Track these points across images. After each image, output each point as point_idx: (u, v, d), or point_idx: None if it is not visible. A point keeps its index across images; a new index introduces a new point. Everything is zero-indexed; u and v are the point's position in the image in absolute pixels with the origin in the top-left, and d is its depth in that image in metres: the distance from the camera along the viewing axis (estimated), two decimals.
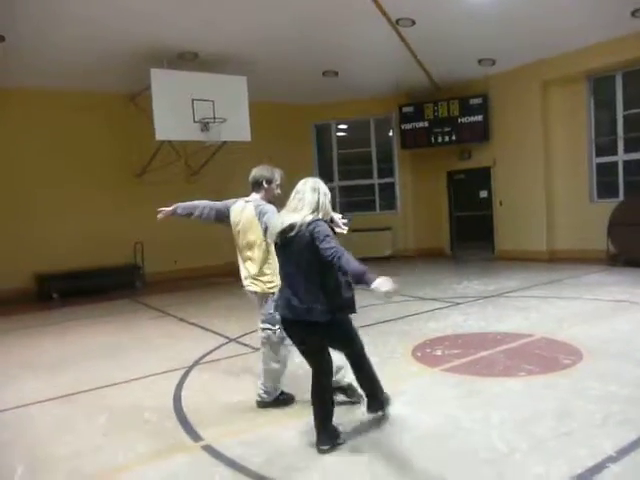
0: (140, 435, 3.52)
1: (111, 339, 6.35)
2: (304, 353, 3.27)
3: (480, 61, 10.55)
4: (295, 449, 3.18)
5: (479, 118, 11.14)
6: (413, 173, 12.62)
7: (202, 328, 6.59)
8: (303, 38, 9.24)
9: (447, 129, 11.41)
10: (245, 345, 5.62)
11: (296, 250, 3.07)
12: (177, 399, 4.12)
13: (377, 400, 3.48)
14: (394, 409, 3.62)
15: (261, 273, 3.76)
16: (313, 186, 3.18)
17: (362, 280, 2.84)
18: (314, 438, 3.18)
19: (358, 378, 3.49)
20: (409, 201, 12.72)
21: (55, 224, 10.08)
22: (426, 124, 11.62)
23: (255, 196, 3.82)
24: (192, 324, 6.86)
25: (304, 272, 3.07)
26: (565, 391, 3.80)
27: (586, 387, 3.82)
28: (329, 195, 3.23)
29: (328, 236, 2.96)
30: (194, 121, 9.24)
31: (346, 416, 3.54)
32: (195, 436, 3.45)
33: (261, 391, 3.83)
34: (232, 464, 3.04)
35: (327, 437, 3.14)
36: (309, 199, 3.12)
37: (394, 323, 6.20)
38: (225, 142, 10.09)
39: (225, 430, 3.52)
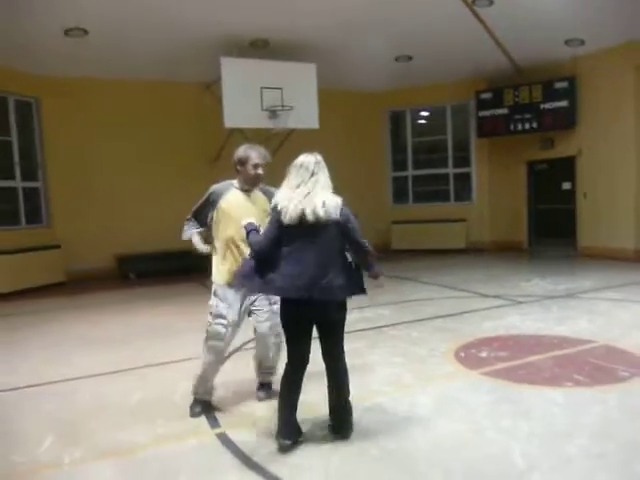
0: (164, 417, 3.61)
1: (169, 320, 6.61)
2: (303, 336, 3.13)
3: (567, 42, 9.77)
4: (304, 445, 3.11)
5: (564, 103, 10.35)
6: (491, 163, 12.01)
7: None
8: (375, 22, 9.01)
9: (528, 116, 10.71)
10: None
11: (322, 232, 2.98)
12: None
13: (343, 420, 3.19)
14: (416, 411, 3.46)
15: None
16: (322, 164, 3.11)
17: (371, 265, 3.17)
18: (326, 434, 3.13)
19: (329, 386, 3.23)
20: (486, 192, 12.14)
21: (134, 209, 10.61)
22: (505, 111, 10.99)
23: (231, 180, 3.65)
24: None
25: (327, 252, 3.02)
26: (612, 407, 3.44)
27: (638, 405, 3.45)
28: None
29: (355, 223, 3.10)
30: (262, 109, 9.34)
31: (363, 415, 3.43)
32: (214, 423, 3.50)
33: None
34: (238, 454, 3.04)
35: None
36: (323, 180, 3.08)
37: (447, 319, 5.95)
38: (293, 130, 10.14)
39: (244, 419, 3.53)
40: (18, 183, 9.54)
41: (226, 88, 9.07)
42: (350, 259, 3.11)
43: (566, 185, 10.93)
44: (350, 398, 3.22)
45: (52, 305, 8.03)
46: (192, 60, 9.83)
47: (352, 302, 6.45)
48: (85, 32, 8.43)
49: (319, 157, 3.14)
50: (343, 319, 3.20)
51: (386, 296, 7.30)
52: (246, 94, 9.18)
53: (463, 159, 12.35)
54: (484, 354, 4.64)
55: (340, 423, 3.18)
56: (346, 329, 4.96)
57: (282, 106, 9.40)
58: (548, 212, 11.46)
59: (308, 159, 3.10)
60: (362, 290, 3.13)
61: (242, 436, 3.26)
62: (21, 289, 8.85)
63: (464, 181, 12.39)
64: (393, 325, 5.78)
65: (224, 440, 3.23)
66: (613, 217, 9.87)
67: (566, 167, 10.74)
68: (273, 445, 3.09)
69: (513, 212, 11.86)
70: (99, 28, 8.35)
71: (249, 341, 5.34)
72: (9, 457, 3.14)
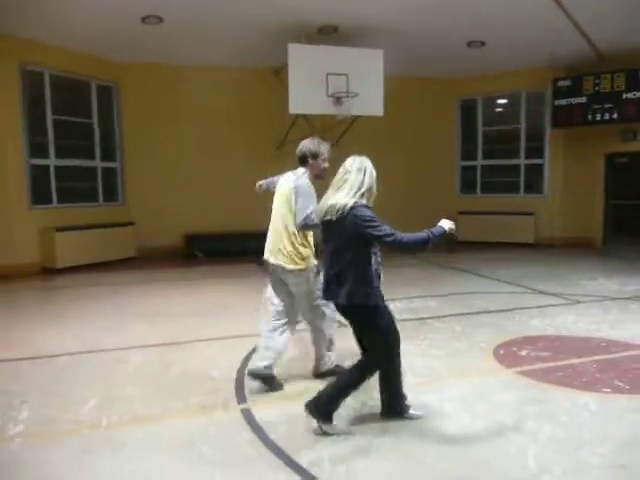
0: (198, 390, 3.83)
1: (226, 298, 6.91)
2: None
3: None
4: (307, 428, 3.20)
5: None
6: (566, 154, 11.41)
7: None
8: (445, 6, 8.76)
9: (608, 105, 10.06)
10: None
11: (336, 233, 3.07)
12: (246, 362, 4.37)
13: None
14: (439, 405, 3.47)
15: (296, 250, 3.73)
16: (360, 166, 3.13)
17: (434, 241, 3.03)
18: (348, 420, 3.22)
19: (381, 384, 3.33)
20: (558, 185, 11.57)
21: (203, 191, 11.03)
22: (583, 99, 10.37)
23: (301, 170, 3.80)
24: None
25: (342, 257, 3.06)
26: None
27: None
28: (375, 175, 3.15)
29: (372, 221, 2.97)
30: (327, 95, 9.39)
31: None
32: (242, 399, 3.67)
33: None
34: (258, 430, 3.19)
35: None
36: (353, 179, 3.09)
37: (495, 315, 5.81)
38: (358, 117, 10.13)
39: (272, 398, 3.68)
40: (98, 163, 10.19)
41: (292, 74, 9.17)
42: (374, 266, 3.07)
43: None
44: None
45: (122, 278, 8.57)
46: (262, 46, 10.02)
47: (400, 292, 6.52)
48: (160, 20, 8.81)
49: (361, 159, 3.18)
50: (367, 322, 3.15)
51: (438, 287, 7.27)
52: (312, 80, 9.25)
53: (536, 150, 11.80)
54: (524, 353, 4.52)
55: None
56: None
57: (347, 92, 9.40)
58: (627, 209, 10.78)
59: (348, 161, 3.19)
60: (364, 301, 3.04)
61: (266, 414, 3.41)
62: (97, 262, 9.50)
63: (536, 173, 11.87)
64: (438, 317, 5.73)
65: (247, 416, 3.39)
66: None
67: None
68: (292, 425, 3.20)
69: (587, 207, 11.24)
70: (173, 16, 8.68)
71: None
72: (57, 415, 3.46)
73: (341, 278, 3.05)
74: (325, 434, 3.08)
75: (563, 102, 10.68)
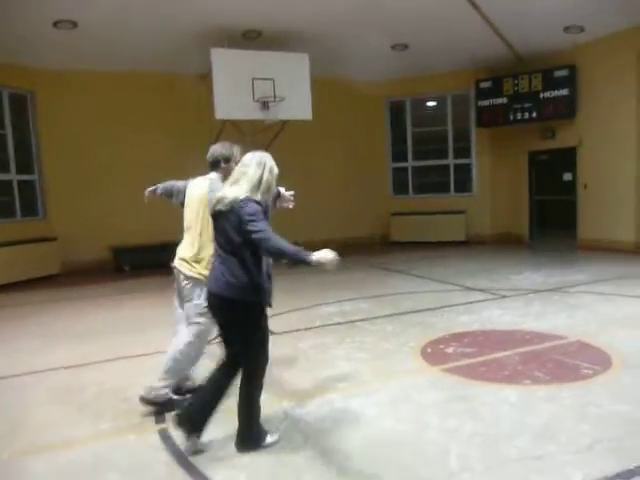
0: (113, 412, 3.60)
1: (151, 313, 6.63)
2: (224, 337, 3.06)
3: (566, 28, 9.50)
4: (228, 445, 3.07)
5: (564, 92, 10.09)
6: (492, 153, 11.80)
7: None
8: (367, 10, 8.84)
9: (528, 105, 10.47)
10: None
11: (225, 225, 2.90)
12: None
13: (248, 435, 3.00)
14: (362, 409, 3.41)
15: (196, 258, 3.59)
16: (259, 161, 2.95)
17: (299, 258, 2.68)
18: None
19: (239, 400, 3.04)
20: (486, 183, 11.93)
21: (130, 201, 10.59)
22: (505, 100, 10.75)
23: (214, 174, 3.65)
24: None
25: (230, 249, 2.90)
26: (564, 406, 3.34)
27: (591, 404, 3.34)
28: (275, 172, 3.00)
29: (254, 216, 2.77)
30: (254, 100, 9.27)
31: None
32: (161, 419, 3.47)
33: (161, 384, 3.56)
34: (174, 451, 3.01)
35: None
36: (251, 174, 2.92)
37: (424, 314, 5.85)
38: (287, 121, 10.06)
39: None
40: (13, 176, 9.62)
41: (216, 79, 8.99)
42: (263, 266, 2.92)
43: (567, 176, 10.69)
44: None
45: (43, 297, 8.09)
46: (185, 51, 9.79)
47: (333, 295, 6.41)
48: (74, 24, 8.43)
49: (261, 155, 3.00)
50: (237, 321, 2.93)
51: (370, 289, 7.27)
52: (237, 85, 9.10)
53: (464, 150, 12.14)
54: (451, 350, 4.55)
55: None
56: (319, 323, 4.93)
57: (274, 97, 9.32)
58: (550, 204, 11.23)
59: (248, 155, 3.02)
60: (254, 294, 2.88)
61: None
62: (16, 281, 8.95)
63: (465, 172, 12.19)
64: (369, 319, 5.70)
65: (164, 437, 3.20)
66: (613, 209, 9.63)
67: (567, 158, 10.49)
68: (209, 443, 3.05)
69: (514, 204, 11.65)
70: (88, 20, 8.33)
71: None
72: None
73: (223, 270, 2.91)
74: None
75: (485, 103, 11.02)
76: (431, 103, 12.62)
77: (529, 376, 3.85)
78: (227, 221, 2.88)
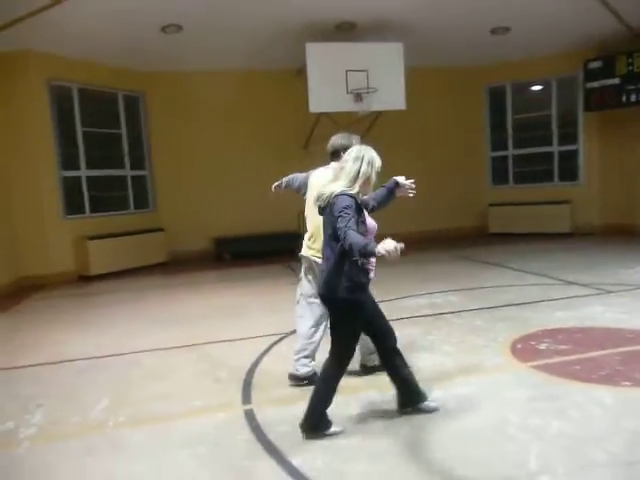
0: (205, 391, 3.86)
1: (246, 300, 6.94)
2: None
3: None
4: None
5: None
6: (601, 139, 10.96)
7: None
8: None
9: None
10: None
11: (327, 219, 3.04)
12: (256, 362, 4.39)
13: (311, 420, 3.08)
14: (446, 403, 3.37)
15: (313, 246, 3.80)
16: (357, 155, 3.03)
17: (366, 252, 2.70)
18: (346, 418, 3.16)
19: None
20: (595, 171, 11.11)
21: (232, 194, 11.14)
22: (617, 81, 9.92)
23: (334, 165, 3.71)
24: None
25: (328, 244, 3.03)
26: None
27: None
28: (377, 164, 3.05)
29: (346, 209, 2.83)
30: (347, 92, 9.32)
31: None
32: (247, 399, 3.67)
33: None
34: (257, 430, 3.18)
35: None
36: (349, 169, 3.01)
37: (519, 308, 5.61)
38: (381, 112, 10.02)
39: (276, 398, 3.66)
40: (127, 172, 10.44)
41: (311, 73, 9.15)
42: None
43: None
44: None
45: (150, 283, 8.76)
46: (281, 47, 10.03)
47: (423, 287, 6.41)
48: (179, 28, 8.95)
49: (359, 148, 3.09)
50: (341, 321, 3.04)
51: (462, 282, 7.10)
52: (331, 78, 9.20)
53: (570, 136, 11.38)
54: (543, 346, 4.34)
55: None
56: (407, 314, 4.76)
57: (367, 88, 9.31)
58: None
59: (348, 150, 3.14)
60: (351, 292, 2.94)
61: (267, 414, 3.40)
62: (129, 268, 9.74)
63: (571, 159, 11.44)
64: (458, 312, 5.57)
65: (249, 416, 3.38)
66: None
67: None
68: (292, 424, 3.18)
69: (628, 192, 10.74)
70: (192, 23, 8.81)
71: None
72: (67, 417, 3.55)
73: (332, 269, 2.99)
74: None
75: (595, 84, 10.24)
76: (535, 87, 11.93)
77: (629, 377, 3.59)
78: (327, 216, 2.99)
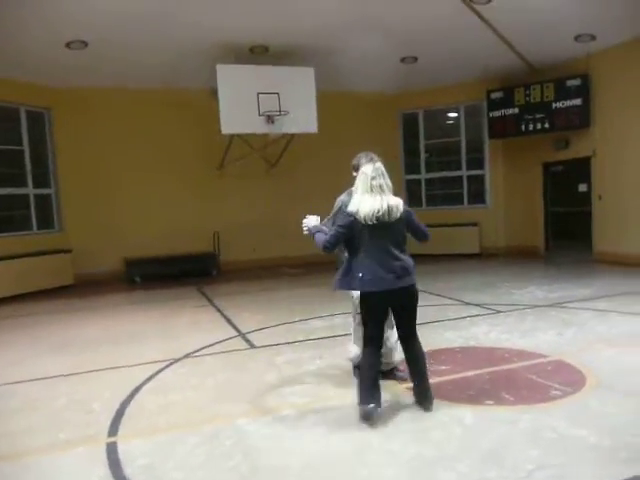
0: (74, 423, 3.67)
1: (144, 325, 6.73)
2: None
3: (577, 37, 9.29)
4: (169, 459, 3.08)
5: (577, 102, 9.85)
6: (505, 164, 11.60)
7: (227, 320, 6.70)
8: (374, 23, 8.81)
9: (540, 115, 10.25)
10: (247, 341, 5.61)
11: (395, 226, 3.47)
12: (135, 392, 4.23)
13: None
14: (314, 425, 3.37)
15: None
16: (383, 171, 3.59)
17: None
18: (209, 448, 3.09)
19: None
20: (500, 195, 11.72)
21: (143, 214, 10.88)
22: (516, 110, 10.56)
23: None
24: (223, 316, 6.99)
25: (399, 243, 3.52)
26: (519, 430, 3.22)
27: (548, 427, 3.20)
28: (365, 173, 3.55)
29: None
30: (259, 114, 9.37)
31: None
32: (113, 431, 3.51)
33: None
34: (114, 465, 3.04)
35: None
36: (389, 183, 3.54)
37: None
38: (294, 135, 10.14)
39: (144, 429, 3.53)
40: (30, 190, 9.96)
41: (222, 94, 9.16)
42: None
43: (582, 187, 10.40)
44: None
45: (51, 307, 8.34)
46: (194, 67, 9.98)
47: (326, 309, 6.33)
48: (85, 44, 8.71)
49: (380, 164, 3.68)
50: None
51: None
52: (243, 100, 9.23)
53: (477, 161, 11.96)
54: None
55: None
56: (302, 337, 5.42)
57: (279, 111, 9.40)
58: (565, 215, 10.94)
59: (376, 165, 3.64)
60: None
61: (130, 447, 3.26)
62: (29, 291, 9.23)
63: (478, 184, 12.00)
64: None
65: (110, 450, 3.23)
66: (628, 221, 9.31)
67: (582, 168, 10.22)
68: (154, 457, 3.07)
69: (529, 215, 11.38)
70: (98, 39, 8.59)
71: (206, 347, 5.37)
72: None
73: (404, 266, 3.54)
74: None
75: (497, 113, 10.86)
76: (452, 114, 12.44)
77: (494, 396, 3.73)
78: (397, 223, 3.47)
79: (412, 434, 3.24)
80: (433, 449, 3.03)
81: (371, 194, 3.44)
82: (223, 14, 8.07)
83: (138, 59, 9.46)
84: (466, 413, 3.48)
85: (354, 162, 3.99)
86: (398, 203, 3.49)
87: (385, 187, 3.48)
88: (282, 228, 11.34)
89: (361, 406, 3.43)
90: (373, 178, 3.47)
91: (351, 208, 3.47)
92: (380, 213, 3.38)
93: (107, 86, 10.37)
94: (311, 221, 3.78)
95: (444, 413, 3.51)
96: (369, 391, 3.44)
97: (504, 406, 3.58)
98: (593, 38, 9.24)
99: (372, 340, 3.54)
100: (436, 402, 3.68)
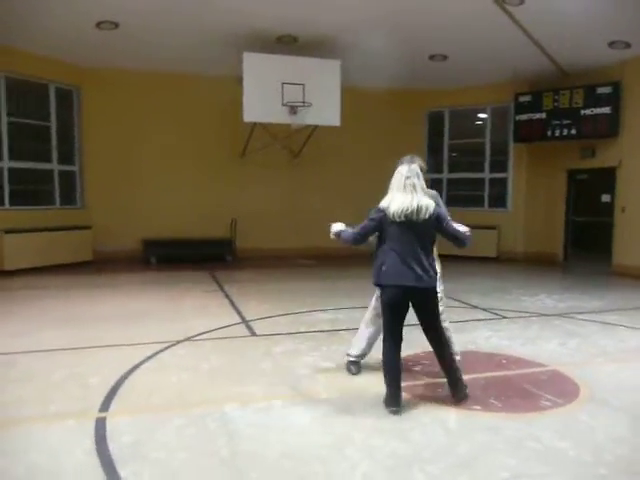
0: (67, 396, 3.77)
1: (151, 305, 6.86)
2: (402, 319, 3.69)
3: (611, 44, 9.06)
4: (154, 438, 3.15)
5: (606, 110, 9.62)
6: (529, 169, 11.40)
7: (234, 306, 6.77)
8: (404, 18, 8.71)
9: (567, 122, 10.05)
10: (249, 329, 5.68)
11: (423, 226, 3.56)
12: (133, 369, 4.33)
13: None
14: (299, 417, 3.42)
15: None
16: (418, 172, 3.64)
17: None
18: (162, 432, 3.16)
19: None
20: (522, 199, 11.53)
21: (163, 196, 11.03)
22: (543, 115, 10.37)
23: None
24: (231, 302, 7.07)
25: (425, 245, 3.61)
26: (502, 437, 3.20)
27: (532, 438, 3.18)
28: (398, 174, 3.69)
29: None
30: (282, 104, 9.39)
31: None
32: (104, 407, 3.61)
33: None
34: (100, 440, 3.12)
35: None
36: (421, 184, 3.61)
37: (413, 329, 5.61)
38: (316, 127, 10.15)
39: (135, 407, 3.62)
40: (55, 166, 10.19)
41: (246, 83, 9.22)
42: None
43: (606, 197, 10.18)
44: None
45: (68, 282, 8.55)
46: (221, 53, 10.02)
47: (333, 302, 6.45)
48: (115, 25, 8.83)
49: (414, 167, 3.72)
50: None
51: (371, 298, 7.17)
52: (267, 89, 9.28)
53: (501, 164, 11.79)
54: (418, 368, 4.47)
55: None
56: (304, 329, 5.59)
57: (303, 102, 9.41)
58: (586, 225, 10.74)
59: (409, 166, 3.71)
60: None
61: (117, 423, 3.35)
62: (50, 264, 9.47)
63: (500, 187, 11.84)
64: (354, 329, 5.61)
65: (99, 425, 3.32)
66: None
67: (607, 178, 10.00)
68: (136, 434, 3.15)
69: (549, 222, 11.19)
70: (128, 21, 8.70)
71: (209, 331, 5.45)
72: None
73: (428, 265, 3.62)
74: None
75: (524, 117, 10.68)
76: (478, 115, 12.27)
77: (482, 402, 3.72)
78: (426, 222, 3.54)
79: (395, 432, 3.26)
80: (411, 449, 3.05)
81: (403, 192, 3.54)
82: (254, 1, 8.08)
83: (167, 42, 9.53)
84: (450, 416, 3.48)
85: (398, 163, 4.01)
86: (429, 204, 3.55)
87: (418, 187, 3.57)
88: (300, 219, 11.43)
89: (386, 408, 3.56)
90: (407, 177, 3.58)
91: (383, 204, 3.60)
92: (409, 211, 3.49)
93: (136, 68, 10.51)
94: (336, 226, 3.90)
95: (429, 415, 3.52)
96: (391, 394, 3.57)
97: (491, 412, 3.57)
98: (628, 45, 9.00)
99: (390, 335, 3.66)
100: (423, 404, 3.71)
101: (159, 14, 8.46)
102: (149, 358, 4.63)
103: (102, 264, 10.12)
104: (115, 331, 5.53)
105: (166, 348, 4.93)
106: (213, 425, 3.32)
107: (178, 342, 5.12)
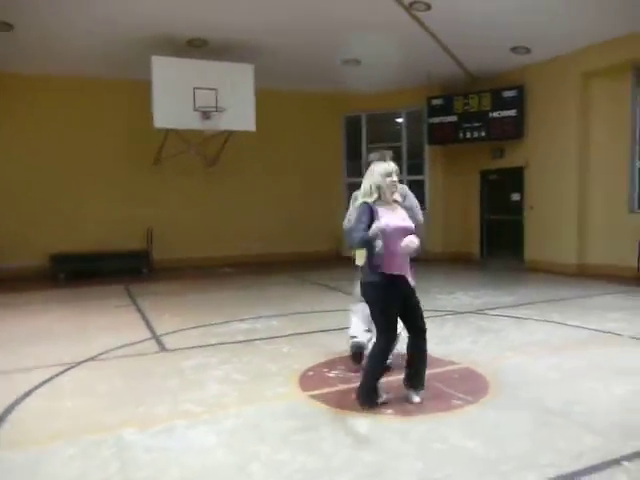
0: None
1: (56, 324, 6.39)
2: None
3: (513, 49, 9.48)
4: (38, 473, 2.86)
5: (512, 113, 10.06)
6: (444, 171, 11.73)
7: (146, 321, 6.43)
8: (316, 22, 8.67)
9: (477, 124, 10.43)
10: (159, 344, 5.39)
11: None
12: (25, 396, 3.95)
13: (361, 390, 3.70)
14: (203, 435, 3.22)
15: None
16: (367, 173, 3.79)
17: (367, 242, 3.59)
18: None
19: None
20: (439, 201, 11.84)
21: (72, 208, 10.44)
22: (455, 118, 10.71)
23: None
24: (143, 316, 6.72)
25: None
26: (409, 441, 3.15)
27: (439, 439, 3.15)
28: (379, 171, 3.74)
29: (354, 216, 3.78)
30: (194, 109, 9.12)
31: None
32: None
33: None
34: None
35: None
36: (363, 186, 3.77)
37: (330, 334, 5.64)
38: (232, 132, 9.94)
39: (22, 439, 3.28)
40: None
41: (156, 87, 8.89)
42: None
43: (515, 196, 10.63)
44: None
45: None
46: (131, 58, 9.63)
47: (252, 312, 6.24)
48: (10, 26, 8.25)
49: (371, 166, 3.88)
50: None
51: (293, 306, 7.11)
52: (178, 94, 8.97)
53: (418, 167, 12.06)
54: (333, 374, 4.37)
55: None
56: (215, 341, 5.39)
57: (215, 107, 9.17)
58: (500, 223, 11.16)
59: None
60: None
61: (2, 458, 3.02)
62: None
63: (418, 189, 12.08)
64: (271, 338, 5.50)
65: None
66: (557, 231, 9.56)
67: (515, 178, 10.44)
68: (15, 471, 2.84)
69: (466, 222, 11.56)
70: (25, 22, 8.15)
71: (115, 349, 5.10)
72: None
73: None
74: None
75: (437, 120, 10.96)
76: (394, 119, 12.48)
77: (395, 406, 3.67)
78: None
79: (304, 444, 3.13)
80: (320, 461, 2.93)
81: (393, 212, 3.77)
82: (159, 3, 7.78)
83: (68, 45, 9.03)
84: (361, 423, 3.40)
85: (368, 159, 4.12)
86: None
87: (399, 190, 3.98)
88: (220, 227, 11.19)
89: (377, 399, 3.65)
90: (394, 182, 3.80)
91: (379, 224, 3.55)
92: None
93: (33, 73, 9.89)
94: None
95: (340, 423, 3.42)
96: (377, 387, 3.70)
97: (402, 416, 3.52)
98: (528, 51, 9.45)
99: (394, 328, 3.78)
100: (335, 411, 3.61)
101: (53, 15, 7.97)
102: (44, 383, 4.26)
103: (5, 282, 9.38)
104: (11, 354, 5.08)
105: (65, 370, 4.57)
106: (107, 453, 3.06)
107: (79, 363, 4.76)
